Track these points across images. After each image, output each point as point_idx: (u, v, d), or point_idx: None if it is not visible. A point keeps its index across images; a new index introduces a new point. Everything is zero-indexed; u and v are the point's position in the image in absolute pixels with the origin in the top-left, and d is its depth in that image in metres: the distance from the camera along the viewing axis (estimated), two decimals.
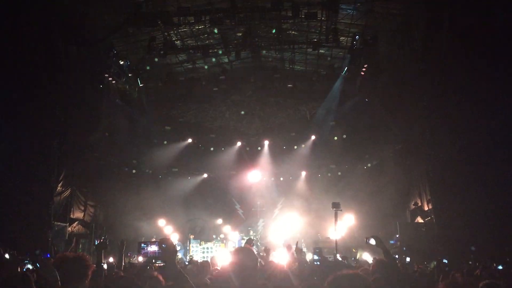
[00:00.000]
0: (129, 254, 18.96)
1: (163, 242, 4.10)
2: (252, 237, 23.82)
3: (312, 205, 24.24)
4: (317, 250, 8.15)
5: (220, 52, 23.01)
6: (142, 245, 19.85)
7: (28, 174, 16.79)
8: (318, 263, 8.57)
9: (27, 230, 15.95)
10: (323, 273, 6.64)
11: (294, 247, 9.97)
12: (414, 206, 21.38)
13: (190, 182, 27.76)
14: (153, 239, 22.36)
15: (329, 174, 27.49)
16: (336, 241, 9.57)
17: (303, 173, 27.82)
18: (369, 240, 6.34)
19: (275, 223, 25.23)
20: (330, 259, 17.99)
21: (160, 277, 5.20)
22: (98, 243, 6.30)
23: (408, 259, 16.23)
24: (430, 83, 17.91)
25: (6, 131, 15.96)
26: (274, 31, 20.79)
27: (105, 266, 6.56)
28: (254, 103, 27.73)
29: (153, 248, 19.17)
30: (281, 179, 28.33)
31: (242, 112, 27.75)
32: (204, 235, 24.96)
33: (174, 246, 4.04)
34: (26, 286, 3.65)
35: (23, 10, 15.71)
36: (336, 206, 9.09)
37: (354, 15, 19.80)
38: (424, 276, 9.44)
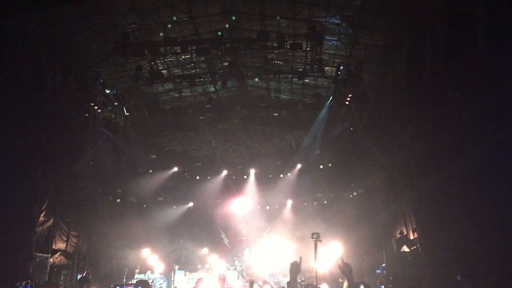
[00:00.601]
0: (111, 286, 18.49)
1: (140, 285, 4.03)
2: (239, 267, 23.56)
3: (298, 233, 24.06)
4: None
5: (205, 80, 23.11)
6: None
7: (11, 203, 16.44)
8: None
9: (8, 261, 15.53)
10: None
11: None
12: (400, 235, 21.31)
13: (176, 211, 27.50)
14: (137, 270, 21.97)
15: (315, 203, 27.43)
16: (316, 271, 9.43)
17: (289, 202, 27.73)
18: (359, 285, 6.30)
19: (261, 252, 24.96)
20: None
21: None
22: (80, 278, 6.14)
23: None
24: (414, 113, 18.11)
25: None
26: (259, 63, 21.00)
27: None
28: (240, 132, 27.79)
29: None
30: (267, 207, 28.18)
31: (228, 142, 27.73)
32: (190, 265, 24.59)
33: None
34: None
35: (10, 37, 15.69)
36: (315, 236, 8.97)
37: (338, 46, 20.12)
38: None
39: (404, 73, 18.50)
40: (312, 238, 8.85)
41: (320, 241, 8.75)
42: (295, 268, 5.90)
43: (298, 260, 6.64)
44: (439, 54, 15.57)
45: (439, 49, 15.57)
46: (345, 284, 19.75)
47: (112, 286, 18.38)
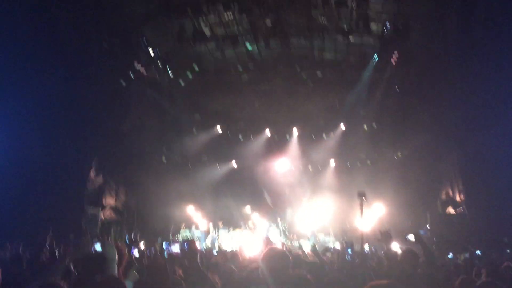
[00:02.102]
0: (159, 242, 19.21)
1: (186, 243, 4.15)
2: (281, 226, 23.90)
3: (341, 194, 24.05)
4: (349, 244, 8.01)
5: (248, 40, 22.88)
6: (164, 244, 19.39)
7: (62, 161, 17.16)
8: (349, 258, 8.54)
9: (61, 216, 16.34)
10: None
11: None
12: (445, 197, 21.00)
13: (219, 170, 27.93)
14: (183, 225, 22.68)
15: (358, 164, 27.19)
16: (362, 233, 9.44)
17: (332, 162, 27.62)
18: (407, 236, 6.24)
19: (303, 212, 25.18)
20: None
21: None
22: (129, 241, 6.37)
23: (450, 254, 15.66)
24: (462, 72, 17.42)
25: (43, 121, 16.34)
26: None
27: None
28: (283, 92, 27.52)
29: (175, 248, 18.55)
30: (310, 168, 28.19)
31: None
32: (233, 222, 25.12)
33: (197, 249, 4.05)
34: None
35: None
36: (361, 194, 8.97)
37: (385, 1, 19.35)
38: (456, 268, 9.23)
39: (455, 31, 17.68)
40: (358, 196, 8.85)
41: (366, 199, 8.75)
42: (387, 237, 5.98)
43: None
44: (491, 11, 14.75)
45: (492, 6, 14.75)
46: None
47: (159, 241, 19.11)
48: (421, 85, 21.14)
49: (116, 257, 4.09)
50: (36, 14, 15.38)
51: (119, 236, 20.85)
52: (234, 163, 28.39)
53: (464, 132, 18.21)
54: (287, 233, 24.11)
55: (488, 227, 16.35)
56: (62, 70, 16.48)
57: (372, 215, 19.50)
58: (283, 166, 27.59)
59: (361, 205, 8.98)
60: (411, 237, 6.18)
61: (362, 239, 9.55)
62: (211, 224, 23.78)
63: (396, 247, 18.34)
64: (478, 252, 13.57)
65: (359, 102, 25.58)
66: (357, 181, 23.36)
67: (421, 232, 20.40)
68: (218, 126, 27.87)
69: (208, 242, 22.68)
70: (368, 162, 26.86)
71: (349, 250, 9.68)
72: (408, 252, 5.87)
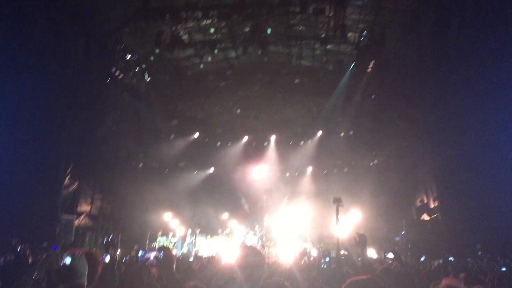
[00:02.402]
0: (135, 249, 19.00)
1: (162, 250, 4.10)
2: (259, 232, 23.89)
3: (318, 200, 24.17)
4: (327, 252, 8.06)
5: (226, 46, 22.89)
6: (141, 252, 19.01)
7: (37, 167, 16.83)
8: (325, 265, 8.59)
9: (35, 223, 16.01)
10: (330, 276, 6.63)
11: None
12: (420, 203, 21.29)
13: (197, 176, 27.80)
14: (160, 232, 22.48)
15: (335, 170, 27.39)
16: (338, 239, 9.51)
17: (309, 169, 27.76)
18: (387, 253, 6.31)
19: (280, 218, 25.21)
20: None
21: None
22: (107, 242, 6.29)
23: (423, 257, 15.94)
24: (437, 79, 17.75)
25: (16, 124, 16.00)
26: (269, 31, 20.66)
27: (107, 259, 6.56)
28: (261, 98, 27.63)
29: (152, 256, 18.05)
30: (287, 174, 28.28)
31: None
32: (210, 229, 25.00)
33: (172, 257, 4.02)
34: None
35: (32, 1, 15.72)
36: (337, 201, 9.04)
37: (362, 11, 19.63)
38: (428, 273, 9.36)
39: (430, 39, 18.02)
40: (334, 203, 8.93)
41: (342, 205, 8.82)
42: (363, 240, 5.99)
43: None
44: (466, 19, 15.08)
45: (466, 14, 15.08)
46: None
47: (135, 248, 18.88)
48: (397, 92, 21.44)
49: (87, 270, 4.02)
50: (11, 16, 15.10)
51: (94, 243, 20.54)
52: (211, 170, 28.29)
53: (439, 139, 18.50)
54: (264, 240, 24.08)
55: (462, 233, 16.62)
56: (36, 74, 16.18)
57: (349, 222, 19.67)
58: (261, 173, 27.62)
59: (337, 211, 9.05)
60: (390, 255, 6.25)
61: (338, 245, 9.64)
62: (189, 231, 23.62)
63: (372, 253, 18.57)
64: (451, 258, 13.77)
65: (336, 109, 25.84)
66: (334, 187, 23.50)
67: (397, 238, 20.63)
68: (196, 132, 27.76)
69: (185, 249, 22.51)
70: (345, 168, 27.08)
71: (327, 258, 9.73)
72: (385, 270, 5.94)
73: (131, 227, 22.78)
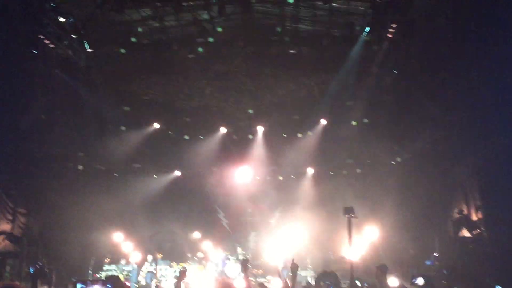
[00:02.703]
0: (73, 281, 18.86)
1: (109, 282, 4.02)
2: (246, 256, 23.92)
3: (322, 213, 24.23)
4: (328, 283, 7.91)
5: (196, 4, 22.77)
6: (79, 285, 16.76)
7: None
8: None
9: None
10: None
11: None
12: (458, 215, 21.41)
13: (157, 182, 27.71)
14: (107, 260, 22.35)
15: (344, 172, 27.48)
16: (351, 264, 9.48)
17: (310, 171, 27.80)
18: (415, 279, 6.34)
19: (271, 238, 25.24)
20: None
21: None
22: (34, 271, 6.19)
23: None
24: (482, 48, 17.80)
25: None
26: None
27: None
28: (244, 76, 27.55)
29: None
30: (280, 178, 28.30)
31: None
32: (176, 253, 24.95)
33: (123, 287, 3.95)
34: None
35: None
36: (349, 211, 9.01)
37: None
38: None
39: None
40: (345, 214, 8.87)
41: (356, 217, 8.80)
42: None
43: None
44: None
45: None
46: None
47: (74, 280, 18.72)
48: (427, 67, 21.49)
49: None
50: None
51: (17, 274, 20.33)
52: (177, 172, 28.18)
53: (483, 130, 18.57)
54: (250, 267, 24.08)
55: None
56: None
57: (363, 240, 19.73)
58: (245, 176, 27.56)
59: (349, 226, 9.03)
60: (419, 281, 6.26)
61: (352, 272, 9.59)
62: (148, 257, 23.56)
63: (393, 282, 18.63)
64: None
65: (345, 90, 25.85)
66: (344, 194, 23.60)
67: (428, 262, 20.76)
68: (155, 123, 27.61)
69: (142, 280, 22.44)
70: (358, 169, 27.17)
71: None
72: None
73: (68, 253, 22.58)
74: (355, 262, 19.70)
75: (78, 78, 24.28)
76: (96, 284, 18.06)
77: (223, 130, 28.09)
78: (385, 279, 5.92)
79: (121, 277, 22.05)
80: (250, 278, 22.41)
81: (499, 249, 17.57)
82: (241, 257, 24.27)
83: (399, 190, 23.36)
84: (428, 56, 21.45)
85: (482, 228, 19.41)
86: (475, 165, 19.47)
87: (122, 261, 23.07)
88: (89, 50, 23.43)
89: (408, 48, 22.42)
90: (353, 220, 9.04)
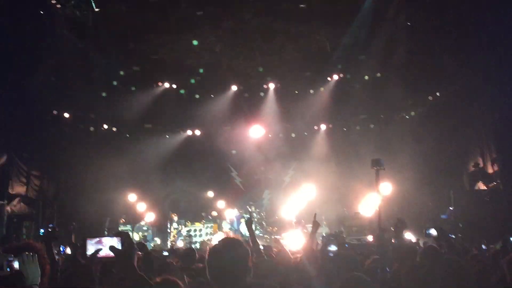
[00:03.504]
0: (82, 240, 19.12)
1: (119, 236, 4.02)
2: (254, 214, 24.06)
3: (336, 169, 24.28)
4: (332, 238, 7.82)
5: None
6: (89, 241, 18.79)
7: None
8: (331, 254, 8.45)
9: None
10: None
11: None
12: (474, 168, 21.39)
13: (169, 142, 27.76)
14: (122, 220, 22.60)
15: (358, 127, 27.42)
16: (380, 217, 9.39)
17: (323, 127, 27.77)
18: (428, 230, 6.35)
19: (285, 195, 25.37)
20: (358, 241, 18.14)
21: None
22: (44, 234, 6.23)
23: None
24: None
25: None
26: None
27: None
28: (254, 32, 27.28)
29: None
30: (293, 135, 28.30)
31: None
32: (191, 213, 25.17)
33: (133, 244, 3.96)
34: None
35: None
36: (377, 164, 8.97)
37: None
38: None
39: None
40: (373, 166, 8.85)
41: (383, 169, 8.78)
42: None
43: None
44: None
45: None
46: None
47: (82, 238, 18.97)
48: (444, 18, 21.18)
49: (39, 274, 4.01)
50: None
51: (33, 235, 20.63)
52: (189, 132, 28.22)
53: (500, 84, 18.41)
54: (264, 225, 24.33)
55: None
56: None
57: (375, 197, 19.81)
58: (257, 134, 27.58)
59: (378, 179, 8.99)
60: (433, 231, 6.27)
61: (380, 225, 9.40)
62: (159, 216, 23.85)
63: (409, 237, 18.76)
64: None
65: (358, 44, 25.58)
66: (357, 150, 23.58)
67: (443, 216, 20.81)
68: (165, 82, 27.54)
69: (158, 239, 22.75)
70: (372, 124, 27.09)
71: (332, 246, 9.45)
72: (429, 249, 5.98)
73: (83, 214, 22.84)
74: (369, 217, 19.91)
75: (85, 39, 24.18)
76: (105, 238, 18.44)
77: (234, 88, 27.99)
78: (402, 232, 5.92)
79: (139, 238, 22.43)
80: (266, 236, 22.71)
81: None
82: (255, 216, 24.42)
83: (413, 145, 23.28)
84: (443, 9, 21.12)
85: (499, 181, 19.41)
86: (493, 119, 19.37)
87: (142, 222, 23.36)
88: (96, 9, 23.26)
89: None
90: (381, 170, 8.99)
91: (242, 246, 4.04)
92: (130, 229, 23.03)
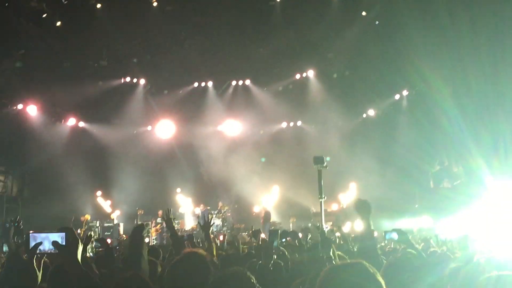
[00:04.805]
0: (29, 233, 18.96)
1: (63, 231, 4.01)
2: (222, 210, 24.15)
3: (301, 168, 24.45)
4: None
5: None
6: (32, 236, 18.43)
7: None
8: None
9: None
10: None
11: None
12: (439, 167, 21.71)
13: (137, 138, 27.77)
14: (87, 217, 22.45)
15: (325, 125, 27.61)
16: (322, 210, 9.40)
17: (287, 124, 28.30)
18: (391, 234, 6.37)
19: (253, 191, 25.51)
20: None
21: None
22: (4, 229, 6.16)
23: None
24: None
25: None
26: None
27: None
28: (224, 28, 27.13)
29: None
30: (261, 132, 28.50)
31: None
32: (156, 209, 25.15)
33: (77, 240, 3.95)
34: None
35: None
36: (318, 161, 8.88)
37: None
38: None
39: None
40: (315, 164, 8.71)
41: (325, 167, 8.70)
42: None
43: None
44: None
45: None
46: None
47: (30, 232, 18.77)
48: (411, 18, 21.24)
49: None
50: None
51: None
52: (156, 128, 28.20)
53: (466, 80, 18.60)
54: (232, 221, 24.46)
55: None
56: None
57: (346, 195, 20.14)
58: (228, 130, 27.87)
59: (320, 178, 8.91)
60: (394, 236, 6.28)
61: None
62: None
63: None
64: None
65: (326, 42, 25.60)
66: (324, 147, 23.78)
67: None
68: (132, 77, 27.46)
69: (123, 236, 22.74)
70: (339, 122, 27.32)
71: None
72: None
73: (47, 209, 22.61)
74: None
75: (53, 32, 23.71)
76: (51, 234, 18.29)
77: (204, 84, 28.06)
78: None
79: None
80: (233, 232, 22.75)
81: None
82: (224, 212, 24.47)
83: (374, 143, 23.75)
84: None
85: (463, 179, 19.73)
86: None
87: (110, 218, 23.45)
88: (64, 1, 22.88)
89: None
90: (322, 169, 8.90)
91: (203, 261, 4.11)
92: (97, 225, 22.97)
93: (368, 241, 5.75)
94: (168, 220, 7.54)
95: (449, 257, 7.43)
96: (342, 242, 9.75)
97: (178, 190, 26.05)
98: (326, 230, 7.78)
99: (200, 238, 12.52)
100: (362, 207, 5.81)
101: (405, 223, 19.07)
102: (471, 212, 18.04)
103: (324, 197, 8.59)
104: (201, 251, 4.41)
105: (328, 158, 8.88)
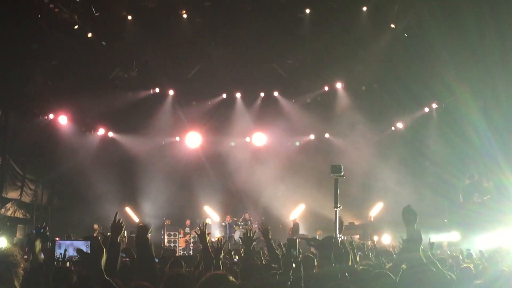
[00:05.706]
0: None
1: (88, 240, 4.06)
2: (249, 222, 24.12)
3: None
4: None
5: None
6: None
7: None
8: None
9: None
10: None
11: None
12: (469, 181, 21.45)
13: (165, 149, 27.87)
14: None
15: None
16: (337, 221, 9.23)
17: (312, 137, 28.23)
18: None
19: (279, 203, 25.49)
20: None
21: None
22: (31, 233, 6.22)
23: None
24: None
25: None
26: None
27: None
28: (252, 40, 27.23)
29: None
30: (289, 144, 28.45)
31: None
32: (184, 220, 25.21)
33: (102, 248, 3.98)
34: None
35: None
36: (336, 170, 8.62)
37: None
38: None
39: None
40: (332, 172, 8.52)
41: (343, 176, 8.49)
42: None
43: None
44: None
45: None
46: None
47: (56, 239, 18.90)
48: (439, 30, 21.13)
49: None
50: None
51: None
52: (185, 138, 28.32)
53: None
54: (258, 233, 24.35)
55: None
56: None
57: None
58: (256, 141, 27.91)
59: (336, 185, 8.68)
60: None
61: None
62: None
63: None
64: None
65: (354, 54, 25.56)
66: (351, 161, 23.64)
67: None
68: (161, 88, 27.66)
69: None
70: (367, 135, 27.17)
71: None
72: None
73: (76, 220, 22.76)
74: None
75: (84, 44, 24.02)
76: (76, 241, 18.37)
77: (233, 95, 28.20)
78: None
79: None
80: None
81: None
82: (249, 223, 24.44)
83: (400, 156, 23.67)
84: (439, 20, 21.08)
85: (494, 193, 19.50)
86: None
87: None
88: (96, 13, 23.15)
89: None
90: (339, 178, 8.64)
91: (228, 282, 4.14)
92: (125, 235, 23.07)
93: (414, 243, 5.66)
94: (202, 234, 7.42)
95: (476, 272, 7.35)
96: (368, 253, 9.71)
97: (206, 207, 26.27)
98: (340, 240, 7.56)
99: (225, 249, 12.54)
100: (408, 214, 5.79)
101: (434, 237, 18.83)
102: (501, 227, 17.88)
103: (339, 206, 8.41)
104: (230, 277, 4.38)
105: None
